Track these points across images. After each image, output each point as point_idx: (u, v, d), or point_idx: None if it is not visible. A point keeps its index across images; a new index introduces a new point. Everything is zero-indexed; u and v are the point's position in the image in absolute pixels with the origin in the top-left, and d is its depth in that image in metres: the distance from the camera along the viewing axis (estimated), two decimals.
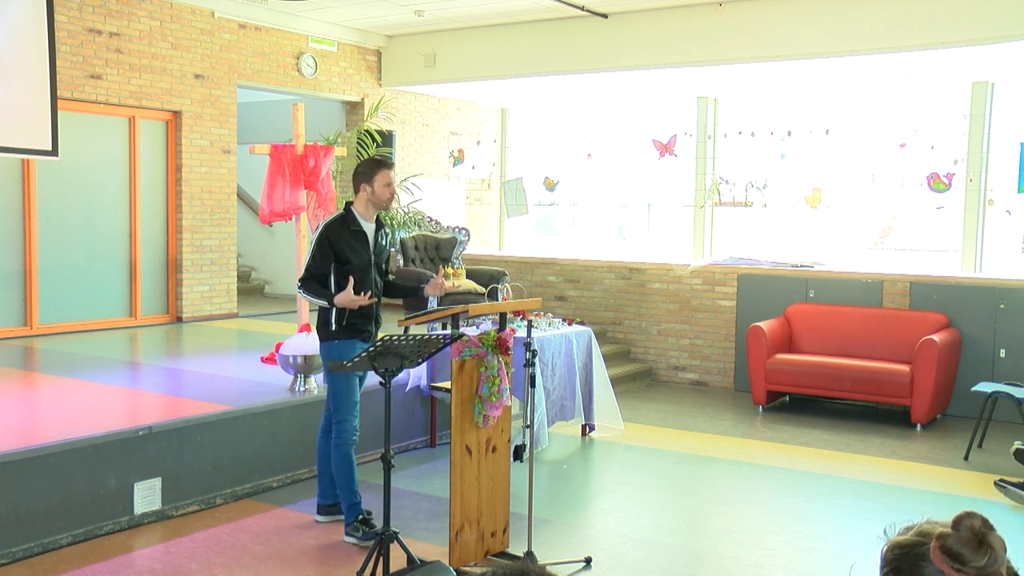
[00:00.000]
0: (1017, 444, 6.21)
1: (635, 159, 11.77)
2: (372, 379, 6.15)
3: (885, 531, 1.52)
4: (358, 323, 4.96)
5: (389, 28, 10.97)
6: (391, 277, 5.33)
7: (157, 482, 5.18)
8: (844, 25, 8.63)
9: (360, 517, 4.92)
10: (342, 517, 5.05)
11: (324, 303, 4.89)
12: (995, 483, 5.98)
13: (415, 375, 6.70)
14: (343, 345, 4.93)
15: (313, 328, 6.76)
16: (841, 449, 7.15)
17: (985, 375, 8.16)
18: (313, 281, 4.92)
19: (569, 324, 7.35)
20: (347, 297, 4.78)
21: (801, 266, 9.41)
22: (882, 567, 1.47)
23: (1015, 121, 9.52)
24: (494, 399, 4.47)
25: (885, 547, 1.49)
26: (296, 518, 5.28)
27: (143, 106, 9.10)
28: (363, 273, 4.91)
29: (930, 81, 9.87)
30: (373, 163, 5.01)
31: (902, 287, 8.74)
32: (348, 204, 5.01)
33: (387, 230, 5.21)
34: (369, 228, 5.00)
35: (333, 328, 4.96)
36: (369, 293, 4.85)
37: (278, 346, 6.63)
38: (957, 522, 1.43)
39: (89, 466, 4.90)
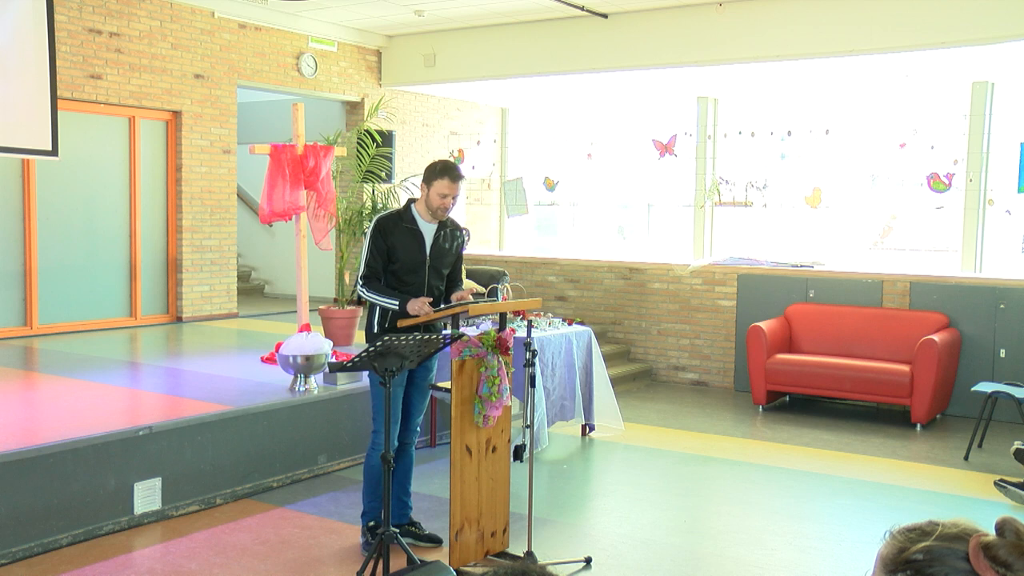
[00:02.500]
0: (1017, 444, 6.21)
1: (635, 159, 11.78)
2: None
3: (888, 532, 1.47)
4: (400, 328, 4.63)
5: (389, 28, 10.97)
6: (462, 288, 4.94)
7: (157, 482, 5.18)
8: (844, 25, 8.63)
9: (369, 524, 4.85)
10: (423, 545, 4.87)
11: (392, 304, 4.61)
12: (995, 483, 5.98)
13: None
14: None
15: (313, 329, 6.78)
16: (841, 449, 7.15)
17: (985, 375, 8.16)
18: (375, 280, 4.68)
19: (569, 324, 7.35)
20: (419, 305, 4.54)
21: (801, 266, 9.41)
22: (893, 570, 1.42)
23: (1015, 121, 9.52)
24: (494, 399, 4.47)
25: (901, 552, 1.40)
26: (296, 518, 5.28)
27: (143, 106, 9.10)
28: (412, 275, 4.70)
29: (930, 81, 9.87)
30: (438, 168, 4.69)
31: (902, 287, 8.74)
32: (410, 201, 4.80)
33: (457, 232, 4.85)
34: (427, 228, 4.73)
35: (375, 330, 4.73)
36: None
37: (278, 346, 6.63)
38: (1000, 529, 1.37)
39: (89, 466, 4.90)
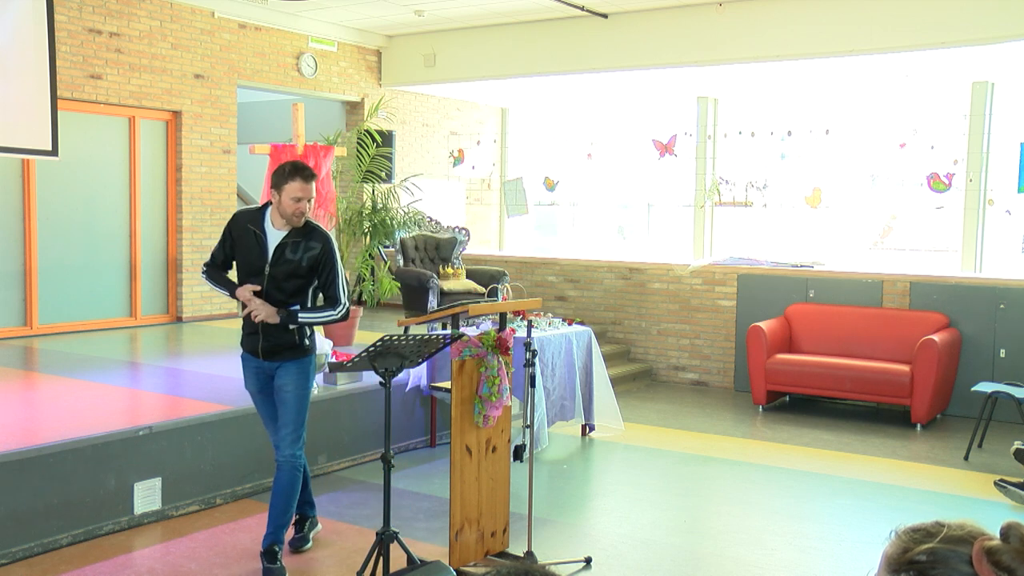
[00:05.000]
0: (1017, 444, 6.21)
1: (635, 159, 11.78)
2: (372, 379, 6.17)
3: (893, 532, 1.47)
4: (246, 340, 4.51)
5: (389, 28, 10.97)
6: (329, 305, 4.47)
7: (157, 482, 5.18)
8: (844, 25, 8.63)
9: (296, 516, 4.74)
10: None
11: (225, 292, 4.52)
12: (995, 483, 5.98)
13: (415, 375, 6.70)
14: (241, 359, 4.59)
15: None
16: (841, 449, 7.15)
17: (985, 375, 8.16)
18: (215, 268, 4.54)
19: (569, 324, 7.35)
20: (244, 292, 4.36)
21: (801, 266, 9.41)
22: (897, 570, 1.42)
23: (1015, 121, 9.52)
24: (494, 399, 4.47)
25: (905, 552, 1.40)
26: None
27: (143, 106, 9.10)
28: (250, 278, 4.40)
29: (930, 81, 9.87)
30: (286, 171, 4.34)
31: (902, 287, 8.74)
32: (268, 203, 4.48)
33: (312, 244, 4.37)
34: (274, 234, 4.39)
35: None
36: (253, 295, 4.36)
37: None
38: (1005, 534, 1.37)
39: (89, 466, 4.90)
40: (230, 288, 4.49)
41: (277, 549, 4.48)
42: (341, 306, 4.45)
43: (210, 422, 5.52)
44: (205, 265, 4.62)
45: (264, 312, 4.32)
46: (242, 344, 4.55)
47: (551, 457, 6.74)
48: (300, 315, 4.37)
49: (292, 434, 4.46)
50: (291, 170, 4.33)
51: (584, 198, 12.62)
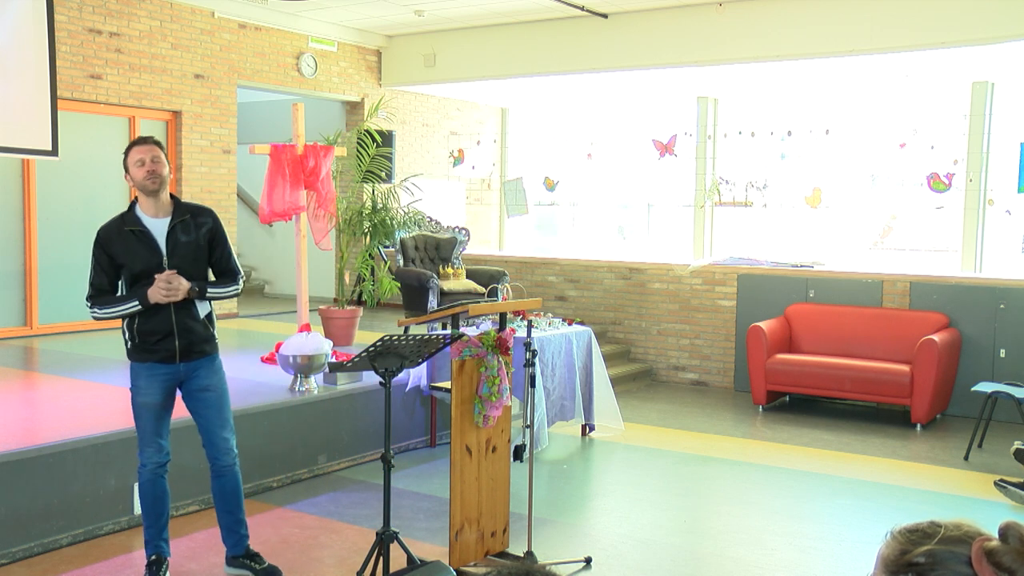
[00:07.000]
0: (1017, 444, 6.21)
1: (635, 159, 11.78)
2: (372, 379, 6.17)
3: (889, 533, 1.46)
4: (149, 341, 4.15)
5: (389, 28, 10.97)
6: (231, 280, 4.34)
7: None
8: (844, 25, 8.64)
9: (152, 558, 4.30)
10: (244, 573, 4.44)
11: (132, 306, 4.08)
12: (995, 483, 5.98)
13: (415, 375, 6.70)
14: (137, 370, 4.24)
15: (313, 329, 6.78)
16: (841, 449, 7.15)
17: (985, 375, 8.16)
18: (103, 295, 4.11)
19: (569, 324, 7.35)
20: (156, 289, 4.02)
21: (801, 266, 9.41)
22: (895, 572, 1.42)
23: (1015, 121, 9.52)
24: (494, 399, 4.47)
25: (903, 554, 1.40)
26: (295, 518, 5.28)
27: (143, 106, 9.10)
28: (148, 278, 4.08)
29: (930, 81, 9.87)
30: (128, 146, 4.22)
31: (902, 287, 8.74)
32: (133, 202, 4.24)
33: (201, 219, 4.20)
34: (157, 224, 4.14)
35: (128, 347, 4.20)
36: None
37: (278, 346, 6.63)
38: (1004, 534, 1.37)
39: (89, 466, 4.90)
40: (133, 299, 4.08)
41: (254, 551, 4.48)
42: (241, 277, 4.42)
43: None
44: (89, 299, 4.13)
45: (182, 286, 4.05)
46: (141, 350, 4.19)
47: (551, 457, 6.74)
48: (209, 289, 4.22)
49: (231, 438, 4.42)
50: (130, 143, 4.25)
51: (584, 198, 12.62)
